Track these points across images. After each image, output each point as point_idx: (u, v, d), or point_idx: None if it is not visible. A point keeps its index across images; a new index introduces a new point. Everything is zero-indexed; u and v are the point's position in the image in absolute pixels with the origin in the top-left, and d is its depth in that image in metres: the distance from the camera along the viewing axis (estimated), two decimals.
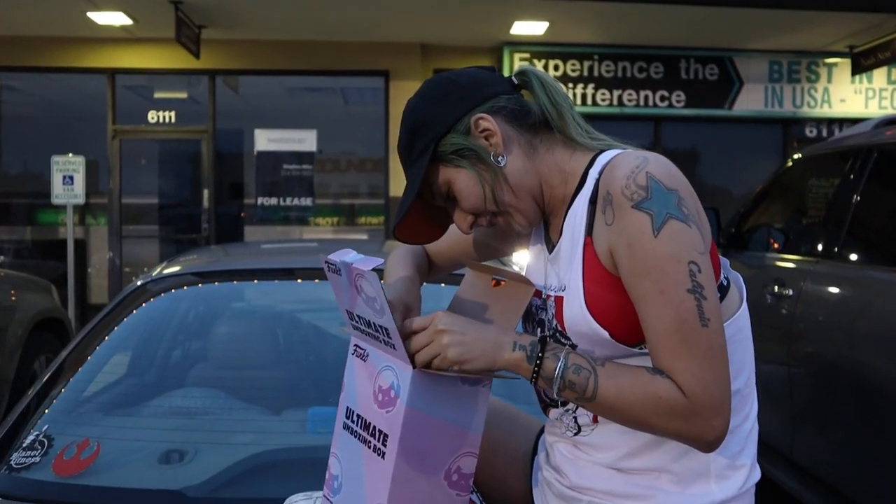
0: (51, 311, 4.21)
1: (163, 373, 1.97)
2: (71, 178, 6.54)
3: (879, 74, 8.05)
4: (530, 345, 0.96)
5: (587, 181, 1.04)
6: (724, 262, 1.06)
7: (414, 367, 0.98)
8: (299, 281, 2.26)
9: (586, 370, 0.94)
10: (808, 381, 2.85)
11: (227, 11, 6.65)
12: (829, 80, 8.09)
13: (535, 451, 1.24)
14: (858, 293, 2.65)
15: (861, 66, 7.60)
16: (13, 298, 3.91)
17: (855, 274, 2.74)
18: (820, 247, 2.99)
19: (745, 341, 1.03)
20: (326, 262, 1.06)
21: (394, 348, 1.00)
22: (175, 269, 2.29)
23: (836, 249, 2.88)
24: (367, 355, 1.08)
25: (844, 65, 7.89)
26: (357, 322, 1.08)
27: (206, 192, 7.85)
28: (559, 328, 1.04)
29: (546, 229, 1.14)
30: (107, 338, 1.93)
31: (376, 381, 1.04)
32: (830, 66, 8.06)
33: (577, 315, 0.99)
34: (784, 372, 2.98)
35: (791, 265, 3.15)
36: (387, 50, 7.62)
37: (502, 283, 1.10)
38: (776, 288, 3.10)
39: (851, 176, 2.94)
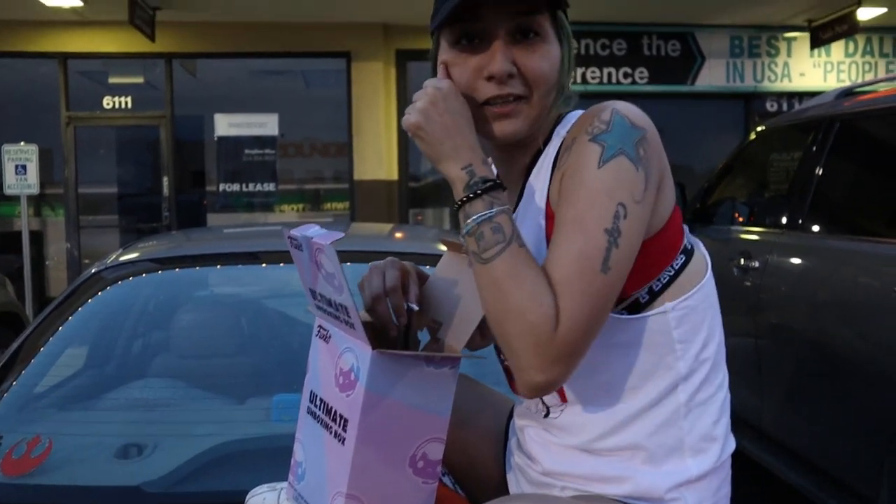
0: (5, 304, 4.08)
1: (120, 364, 1.90)
2: (24, 167, 6.33)
3: (837, 48, 8.14)
4: (480, 177, 0.91)
5: (552, 138, 1.00)
6: (685, 228, 1.04)
7: (373, 348, 0.94)
8: (264, 265, 2.20)
9: (502, 234, 0.88)
10: (776, 351, 2.88)
11: None
12: (789, 55, 8.17)
13: (507, 433, 1.21)
14: (823, 263, 2.67)
15: (819, 39, 7.67)
16: None
17: (820, 244, 2.76)
18: (785, 218, 3.00)
19: (712, 308, 1.01)
20: (289, 237, 1.01)
21: (353, 328, 0.96)
22: (133, 255, 2.21)
23: (800, 220, 2.89)
24: (330, 336, 1.04)
25: (803, 39, 7.97)
26: (319, 301, 1.03)
27: (165, 180, 7.68)
28: None
29: None
30: (60, 329, 1.85)
31: (338, 363, 1.00)
32: (790, 40, 8.13)
33: None
34: (752, 344, 3.00)
35: (756, 237, 3.16)
36: (348, 31, 7.50)
37: None
38: (742, 260, 3.11)
39: (814, 147, 2.96)
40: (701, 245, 1.04)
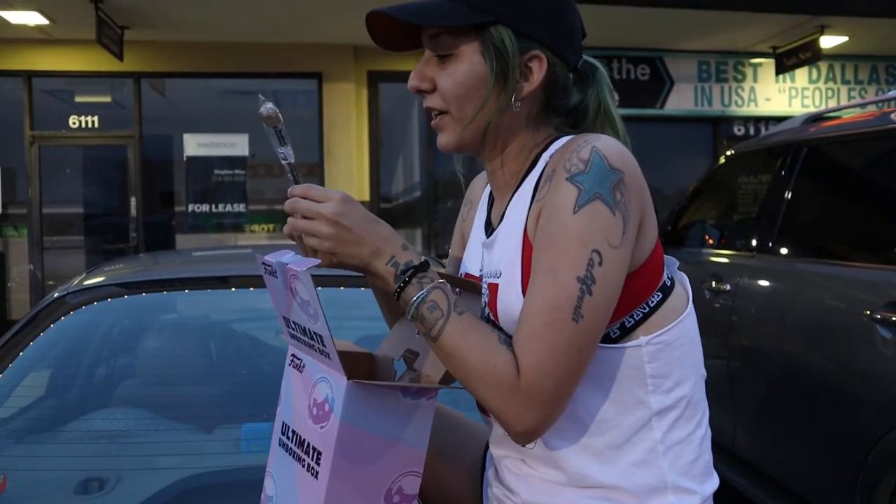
0: None
1: (82, 393, 1.83)
2: None
3: (801, 74, 8.33)
4: (404, 265, 0.92)
5: (538, 164, 1.00)
6: (672, 261, 1.02)
7: (349, 378, 0.90)
8: (233, 289, 2.15)
9: (440, 311, 0.90)
10: (748, 374, 2.89)
11: (151, 12, 6.41)
12: (755, 80, 8.33)
13: (483, 463, 1.18)
14: (793, 286, 2.69)
15: (784, 65, 7.85)
16: None
17: (789, 267, 2.78)
18: (755, 241, 3.03)
19: (691, 344, 0.99)
20: (263, 263, 0.99)
21: (328, 357, 0.93)
22: (98, 279, 2.14)
23: (770, 244, 2.92)
24: (304, 366, 1.01)
25: (769, 65, 8.14)
26: (293, 329, 1.00)
27: (133, 200, 7.56)
28: (491, 316, 0.99)
29: (489, 211, 1.10)
30: (20, 355, 1.78)
31: (311, 393, 0.97)
32: (756, 66, 8.30)
33: (513, 304, 0.95)
34: (724, 366, 3.00)
35: (728, 260, 3.19)
36: (319, 51, 7.49)
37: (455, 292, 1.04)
38: (713, 283, 3.13)
39: (782, 171, 2.99)
40: (685, 280, 1.03)
